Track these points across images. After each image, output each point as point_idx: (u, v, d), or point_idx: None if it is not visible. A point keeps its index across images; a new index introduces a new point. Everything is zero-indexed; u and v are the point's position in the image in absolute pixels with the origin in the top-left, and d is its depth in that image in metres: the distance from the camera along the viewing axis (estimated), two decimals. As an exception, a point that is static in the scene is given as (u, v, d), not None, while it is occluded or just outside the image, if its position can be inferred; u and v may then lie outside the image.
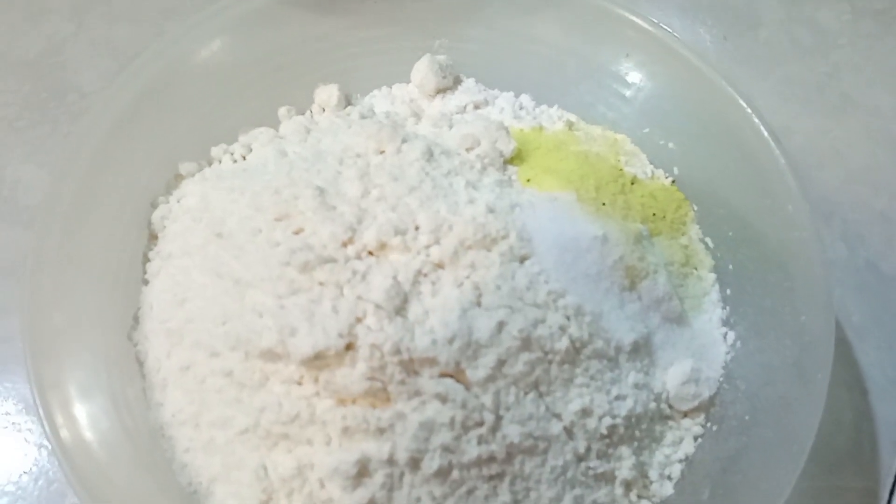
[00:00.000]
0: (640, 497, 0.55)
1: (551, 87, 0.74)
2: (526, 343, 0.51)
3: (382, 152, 0.60)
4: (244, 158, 0.67)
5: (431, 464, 0.49)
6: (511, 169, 0.64)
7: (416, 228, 0.54)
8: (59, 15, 0.87)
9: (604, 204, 0.62)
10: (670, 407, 0.58)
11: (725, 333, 0.62)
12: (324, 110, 0.72)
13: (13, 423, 0.63)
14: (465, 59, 0.74)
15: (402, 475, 0.49)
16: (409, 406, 0.49)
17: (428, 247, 0.53)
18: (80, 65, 0.83)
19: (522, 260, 0.55)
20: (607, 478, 0.54)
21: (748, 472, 0.53)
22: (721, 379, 0.60)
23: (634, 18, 0.70)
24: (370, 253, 0.53)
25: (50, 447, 0.61)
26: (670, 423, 0.58)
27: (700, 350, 0.60)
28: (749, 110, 0.64)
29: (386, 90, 0.74)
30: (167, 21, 0.87)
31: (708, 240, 0.66)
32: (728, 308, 0.63)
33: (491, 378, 0.50)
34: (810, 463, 0.51)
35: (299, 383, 0.50)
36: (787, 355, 0.57)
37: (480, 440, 0.50)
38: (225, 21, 0.70)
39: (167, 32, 0.68)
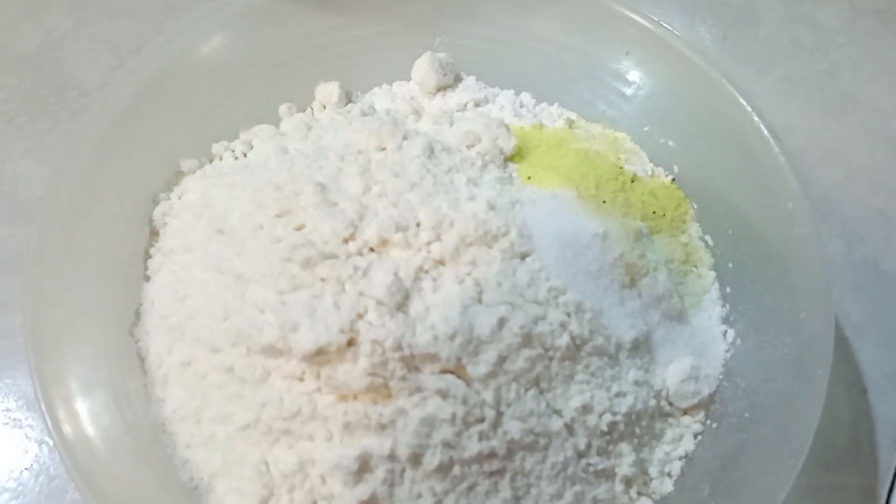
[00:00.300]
0: (640, 494, 0.55)
1: (551, 85, 0.74)
2: (527, 339, 0.52)
3: (383, 149, 0.60)
4: (245, 155, 0.67)
5: (432, 459, 0.49)
6: (511, 166, 0.64)
7: (418, 225, 0.54)
8: (59, 10, 0.87)
9: (604, 201, 0.62)
10: (670, 404, 0.58)
11: (725, 331, 0.62)
12: (324, 107, 0.72)
13: (14, 420, 0.63)
14: (466, 57, 0.74)
15: (403, 471, 0.49)
16: (411, 402, 0.49)
17: (429, 243, 0.53)
18: (80, 60, 0.83)
19: (523, 257, 0.55)
20: (607, 474, 0.54)
21: (748, 468, 0.54)
22: (721, 376, 0.60)
23: (635, 16, 0.70)
24: (371, 249, 0.54)
25: (51, 444, 0.61)
26: (670, 420, 0.58)
27: (700, 347, 0.60)
28: (749, 108, 0.64)
29: (386, 87, 0.74)
30: (167, 17, 0.87)
31: (708, 238, 0.66)
32: (728, 306, 0.63)
33: (492, 374, 0.50)
34: (809, 460, 0.51)
35: (301, 379, 0.50)
36: (787, 352, 0.57)
37: (481, 436, 0.50)
38: (225, 17, 0.70)
39: (168, 28, 0.68)
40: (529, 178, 0.63)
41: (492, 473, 0.50)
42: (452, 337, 0.50)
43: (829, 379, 0.54)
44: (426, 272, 0.53)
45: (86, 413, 0.51)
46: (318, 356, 0.49)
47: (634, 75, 0.71)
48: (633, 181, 0.66)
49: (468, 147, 0.63)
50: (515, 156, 0.65)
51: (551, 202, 0.59)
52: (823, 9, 0.92)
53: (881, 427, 0.66)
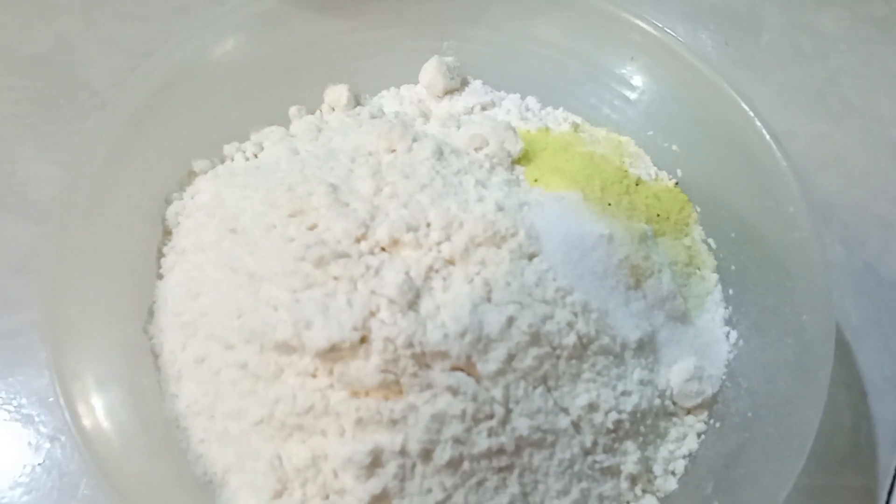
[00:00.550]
0: (644, 491, 0.56)
1: (557, 90, 0.75)
2: (535, 338, 0.52)
3: (394, 151, 0.61)
4: (256, 156, 0.68)
5: (443, 455, 0.50)
6: (518, 169, 0.65)
7: (428, 225, 0.55)
8: (70, 12, 0.87)
9: (609, 204, 0.63)
10: (674, 403, 0.59)
11: (728, 332, 0.63)
12: (333, 110, 0.73)
13: (26, 416, 0.64)
14: (473, 61, 0.76)
15: (413, 466, 0.50)
16: (422, 398, 0.50)
17: (439, 243, 0.54)
18: (91, 62, 0.84)
19: (531, 257, 0.56)
20: (613, 472, 0.55)
21: (750, 467, 0.54)
22: (723, 377, 0.61)
23: (639, 23, 0.71)
24: (383, 249, 0.54)
25: (63, 440, 0.62)
26: (674, 419, 0.59)
27: (703, 348, 0.61)
28: (752, 113, 0.65)
29: (394, 91, 0.75)
30: (176, 19, 0.87)
31: (711, 241, 0.67)
32: (730, 308, 0.64)
33: (501, 372, 0.51)
34: (810, 461, 0.52)
35: (313, 375, 0.51)
36: (789, 354, 0.58)
37: (490, 432, 0.51)
38: (236, 21, 0.71)
39: (180, 32, 0.69)
40: (536, 180, 0.64)
41: (500, 469, 0.51)
42: (462, 335, 0.51)
43: (829, 381, 0.55)
44: (436, 272, 0.53)
45: (102, 408, 0.52)
46: (332, 353, 0.50)
47: (639, 80, 0.72)
48: (637, 184, 0.67)
49: (476, 150, 0.64)
50: (522, 158, 0.66)
51: (558, 204, 0.60)
52: (824, 16, 0.93)
53: (881, 429, 0.67)
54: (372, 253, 0.54)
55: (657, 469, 0.57)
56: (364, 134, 0.62)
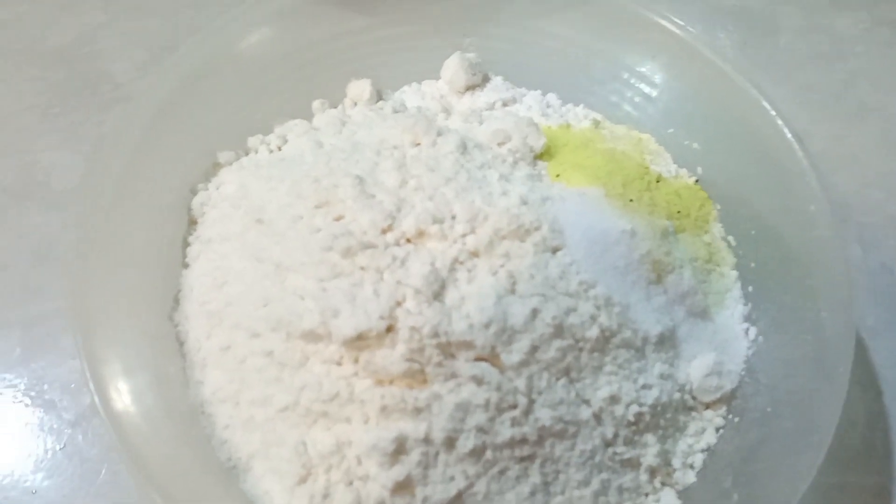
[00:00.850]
0: (663, 484, 0.56)
1: (578, 87, 0.75)
2: (558, 330, 0.53)
3: (418, 144, 0.61)
4: (279, 149, 0.69)
5: (466, 443, 0.50)
6: (540, 164, 0.66)
7: (453, 218, 0.55)
8: (92, 6, 0.88)
9: (631, 200, 0.63)
10: (693, 398, 0.59)
11: (747, 328, 0.63)
12: (356, 104, 0.73)
13: (48, 402, 0.64)
14: (494, 58, 0.76)
15: (437, 454, 0.50)
16: (446, 387, 0.51)
17: (464, 236, 0.55)
18: (113, 55, 0.85)
19: (554, 251, 0.56)
20: (633, 464, 0.55)
21: (769, 462, 0.54)
22: (743, 372, 0.61)
23: (661, 21, 0.71)
24: (408, 240, 0.55)
25: (84, 426, 0.63)
26: (693, 413, 0.59)
27: (723, 344, 0.61)
28: (773, 112, 0.65)
29: (416, 86, 0.76)
30: (197, 14, 0.88)
31: (730, 238, 0.67)
32: (750, 304, 0.64)
33: (524, 363, 0.52)
34: (824, 459, 0.52)
35: (339, 364, 0.52)
36: (808, 350, 0.58)
37: (513, 422, 0.51)
38: (261, 16, 0.72)
39: (206, 26, 0.70)
40: (558, 175, 0.64)
41: (522, 459, 0.52)
42: (487, 326, 0.51)
43: (849, 376, 0.55)
44: (461, 263, 0.54)
45: (128, 393, 0.52)
46: (358, 341, 0.51)
47: (659, 78, 0.73)
48: (658, 181, 0.67)
49: (499, 144, 0.65)
50: (544, 154, 0.66)
51: (580, 199, 0.61)
52: (843, 18, 0.93)
53: (896, 428, 0.68)
54: (398, 244, 0.54)
55: (676, 462, 0.57)
56: (389, 128, 0.63)
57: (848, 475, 0.65)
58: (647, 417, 0.56)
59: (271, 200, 0.59)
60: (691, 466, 0.58)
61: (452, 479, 0.50)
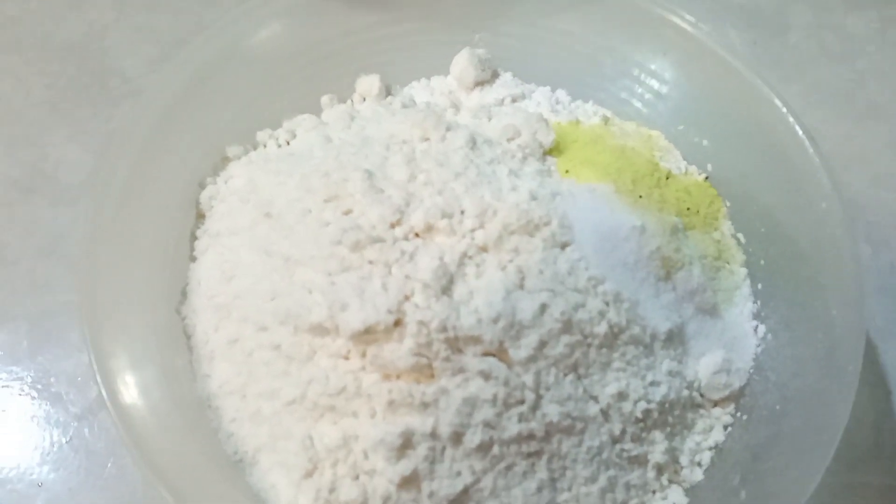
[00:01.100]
0: (671, 481, 0.56)
1: (587, 83, 0.75)
2: (567, 326, 0.53)
3: (427, 140, 0.61)
4: (288, 143, 0.69)
5: (473, 438, 0.50)
6: (550, 160, 0.65)
7: (462, 213, 0.55)
8: (102, 2, 0.88)
9: (640, 197, 0.63)
10: (702, 395, 0.59)
11: (756, 326, 0.63)
12: (364, 99, 0.73)
13: (55, 395, 0.64)
14: (503, 54, 0.76)
15: (444, 449, 0.50)
16: (453, 382, 0.50)
17: (473, 230, 0.55)
18: (122, 50, 0.85)
19: (563, 246, 0.56)
20: (640, 461, 0.55)
21: (778, 460, 0.54)
22: (751, 370, 0.61)
23: (672, 17, 0.71)
24: (417, 235, 0.55)
25: (90, 419, 0.63)
26: (701, 411, 0.59)
27: (731, 342, 0.61)
28: (784, 109, 0.65)
29: (424, 81, 0.75)
30: (206, 10, 0.88)
31: (740, 235, 0.67)
32: (759, 302, 0.64)
33: (532, 358, 0.52)
34: (832, 459, 0.52)
35: (346, 358, 0.52)
36: (818, 348, 0.58)
37: (521, 418, 0.51)
38: (271, 11, 0.71)
39: (216, 21, 0.70)
40: (567, 171, 0.64)
41: (529, 454, 0.52)
42: (495, 321, 0.51)
43: (859, 375, 0.55)
44: (470, 258, 0.54)
45: (136, 386, 0.52)
46: (366, 335, 0.50)
47: (669, 75, 0.72)
48: (667, 178, 0.67)
49: (508, 140, 0.64)
50: (553, 150, 0.66)
51: (590, 195, 0.61)
52: (853, 17, 0.93)
53: (904, 428, 0.67)
54: (406, 238, 0.54)
55: (683, 460, 0.57)
56: (398, 123, 0.63)
57: (856, 474, 0.65)
58: (655, 414, 0.56)
59: (280, 194, 0.59)
60: (699, 464, 0.57)
61: (459, 474, 0.50)
